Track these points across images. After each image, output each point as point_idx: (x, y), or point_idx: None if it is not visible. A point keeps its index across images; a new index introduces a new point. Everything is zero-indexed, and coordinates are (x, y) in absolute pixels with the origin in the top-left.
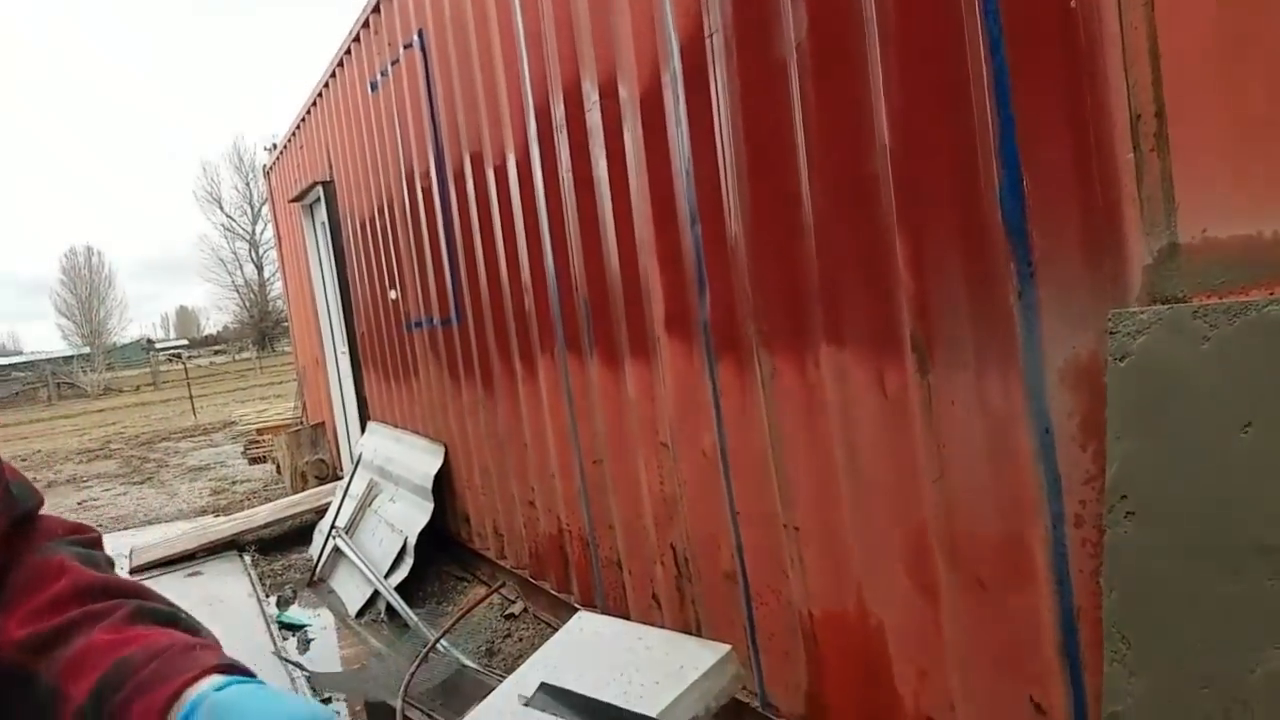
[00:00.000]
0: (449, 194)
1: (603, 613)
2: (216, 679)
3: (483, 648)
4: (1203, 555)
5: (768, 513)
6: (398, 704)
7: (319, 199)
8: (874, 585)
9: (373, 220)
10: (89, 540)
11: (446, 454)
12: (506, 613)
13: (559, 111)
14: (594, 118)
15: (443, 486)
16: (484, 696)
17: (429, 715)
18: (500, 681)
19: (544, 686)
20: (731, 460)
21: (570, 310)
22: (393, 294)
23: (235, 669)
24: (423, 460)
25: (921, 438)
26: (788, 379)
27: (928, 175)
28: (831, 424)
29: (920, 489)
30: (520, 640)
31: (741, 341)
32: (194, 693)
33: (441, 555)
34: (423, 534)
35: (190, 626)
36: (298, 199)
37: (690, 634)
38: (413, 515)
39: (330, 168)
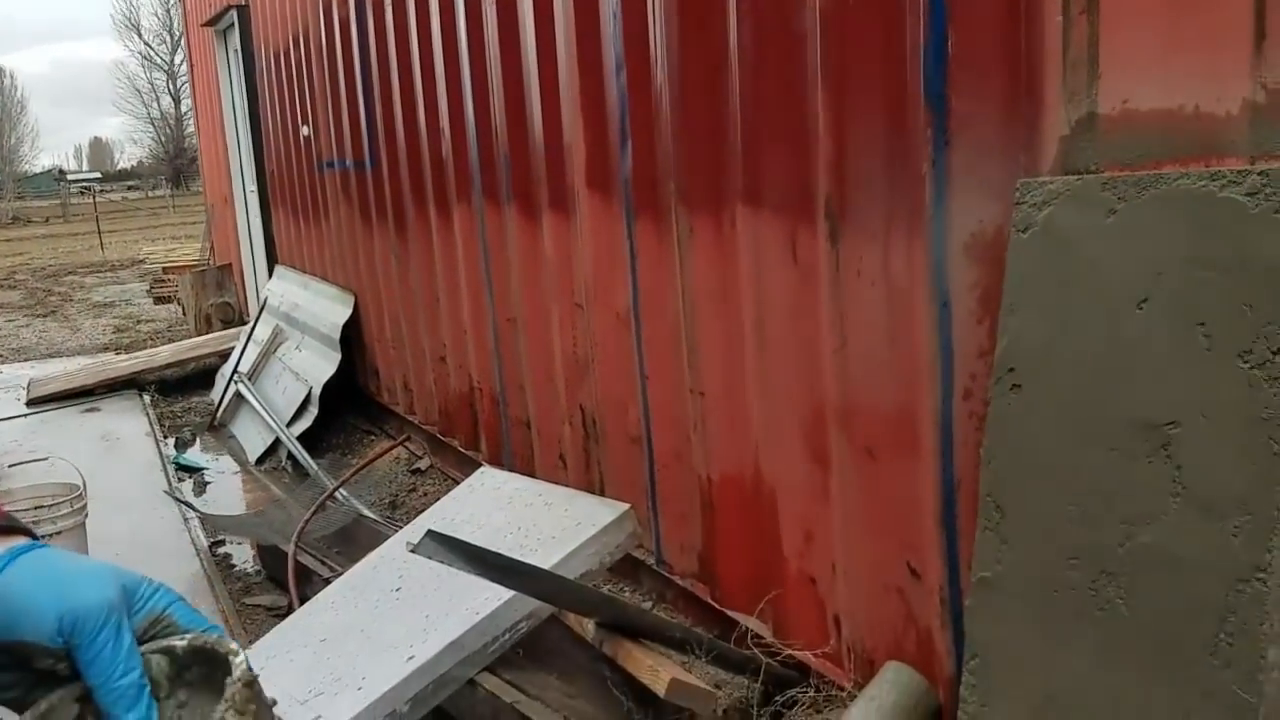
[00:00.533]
0: (367, 27)
1: (509, 471)
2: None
3: (386, 500)
4: (1083, 430)
5: (675, 377)
6: (290, 548)
7: (233, 24)
8: (771, 452)
9: (288, 51)
10: None
11: (356, 304)
12: (413, 468)
13: None
14: None
15: (351, 337)
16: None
17: (322, 560)
18: (396, 532)
19: (430, 534)
20: (644, 323)
21: (489, 158)
22: (305, 131)
23: (16, 529)
24: (331, 309)
25: (826, 307)
26: (703, 240)
27: (854, 31)
28: (743, 289)
29: (821, 358)
30: (425, 495)
31: (661, 199)
32: None
33: (349, 408)
34: (329, 385)
35: None
36: (210, 23)
37: (594, 494)
38: (319, 365)
39: None
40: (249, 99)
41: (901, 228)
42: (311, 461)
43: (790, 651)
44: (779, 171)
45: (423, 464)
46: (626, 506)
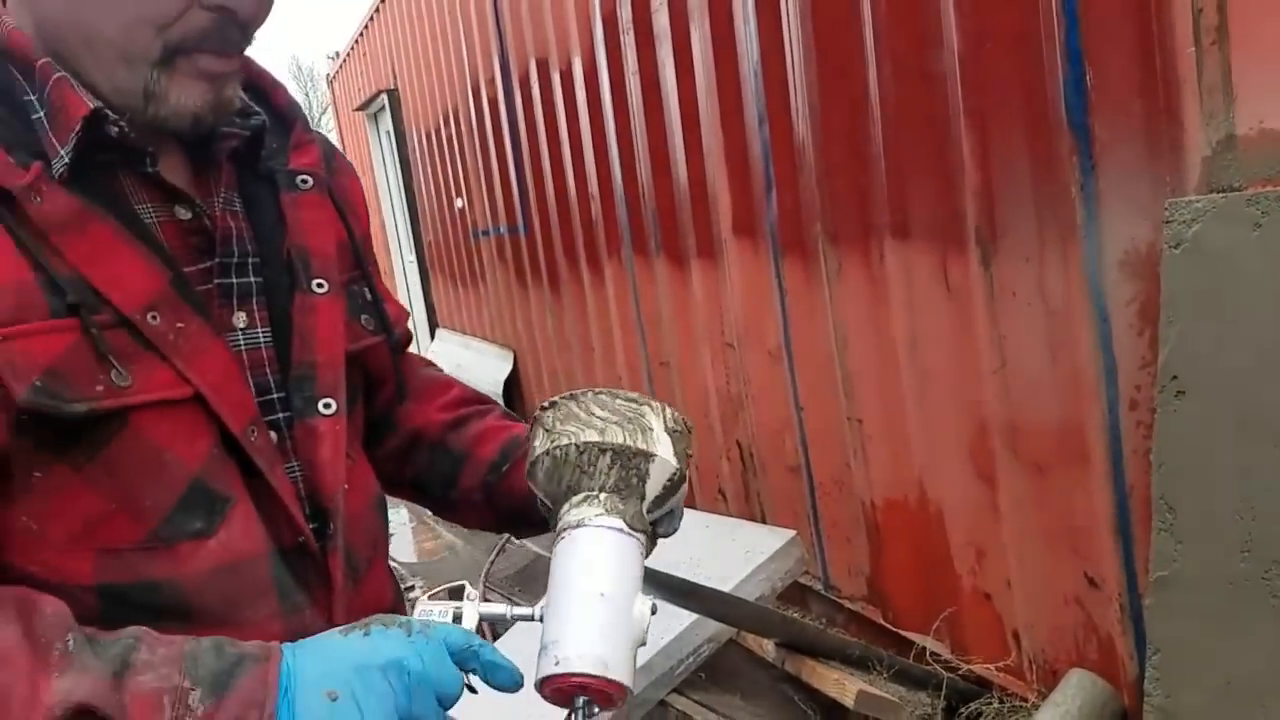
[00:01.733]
0: (514, 101)
1: None
2: None
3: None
4: (1247, 429)
5: (831, 407)
6: (479, 588)
7: (384, 107)
8: (934, 473)
9: (438, 129)
10: (439, 369)
11: (515, 359)
12: None
13: (625, 13)
14: (661, 19)
15: (513, 391)
16: None
17: (506, 598)
18: None
19: None
20: (796, 357)
21: (637, 215)
22: (459, 203)
23: None
24: (493, 366)
25: (983, 329)
26: (853, 275)
27: (993, 70)
28: (895, 318)
29: (981, 379)
30: None
31: (807, 240)
32: None
33: None
34: None
35: None
36: (361, 108)
37: (753, 523)
38: None
39: (395, 76)
40: (403, 175)
41: (1054, 249)
42: None
43: (970, 666)
44: (926, 204)
45: None
46: (793, 533)
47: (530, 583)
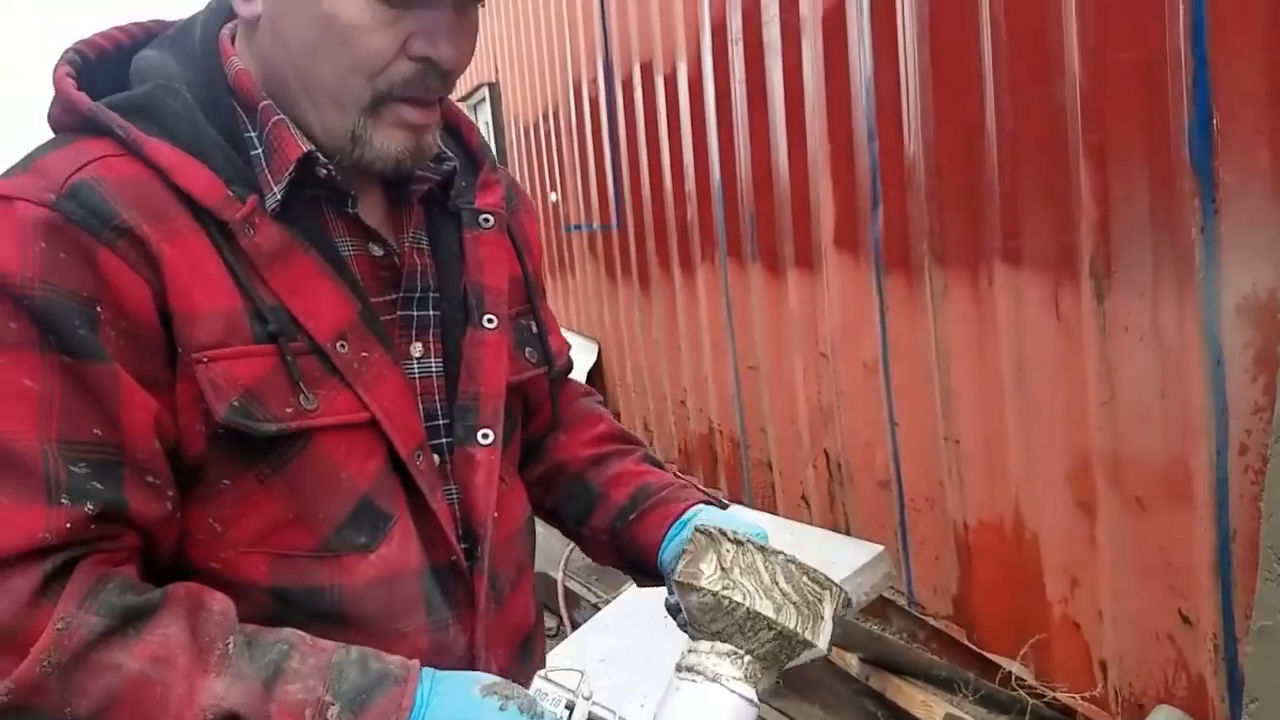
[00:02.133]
0: (615, 101)
1: (749, 509)
2: (702, 506)
3: None
4: None
5: (927, 425)
6: (559, 575)
7: (484, 99)
8: (1032, 499)
9: (537, 124)
10: (597, 398)
11: (600, 351)
12: None
13: (735, 24)
14: (772, 32)
15: (595, 381)
16: None
17: (587, 587)
18: None
19: None
20: (893, 372)
21: (734, 220)
22: (553, 197)
23: (713, 501)
24: (578, 356)
25: (1093, 360)
26: (958, 296)
27: (1116, 107)
28: (1001, 342)
29: (1087, 410)
30: None
31: (912, 258)
32: (691, 511)
33: None
34: None
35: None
36: (464, 98)
37: (841, 534)
38: None
39: (496, 70)
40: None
41: (1171, 288)
42: None
43: (1055, 694)
44: (1040, 232)
45: None
46: (880, 548)
47: (604, 573)
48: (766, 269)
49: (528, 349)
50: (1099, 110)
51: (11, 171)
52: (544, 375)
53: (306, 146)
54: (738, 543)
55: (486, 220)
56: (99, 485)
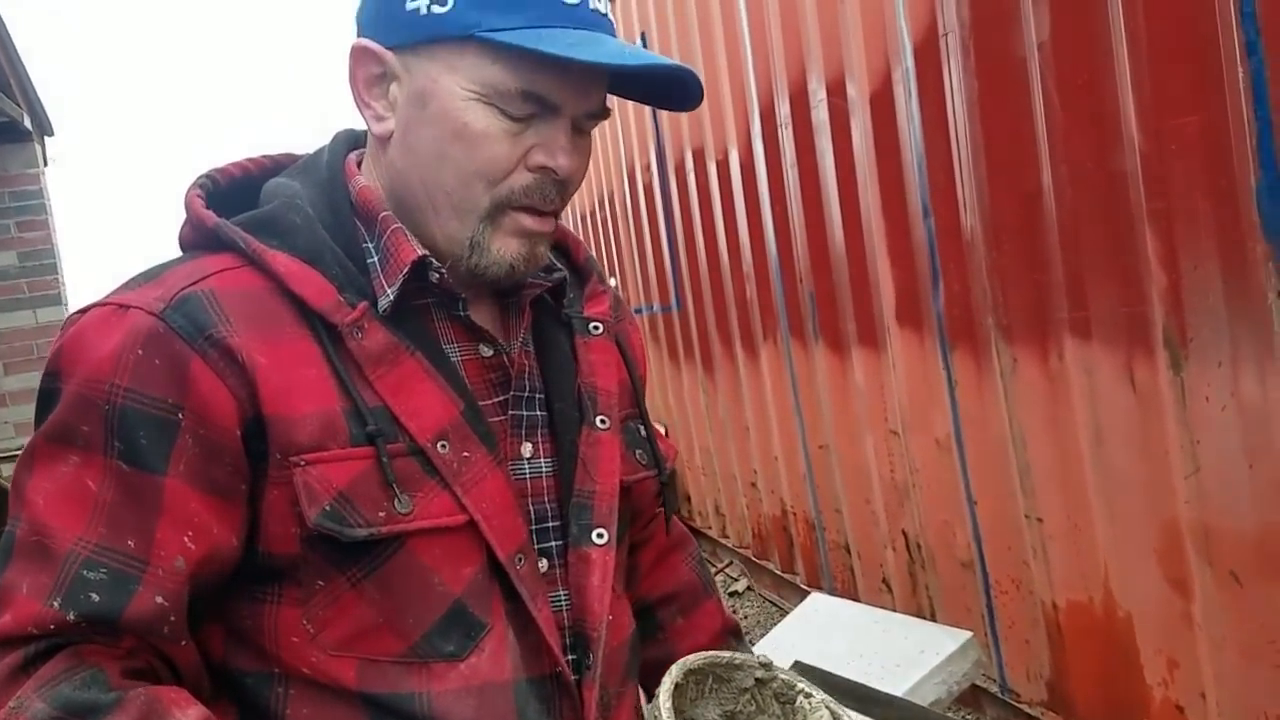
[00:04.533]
0: (669, 186)
1: (829, 594)
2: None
3: None
4: None
5: (1007, 502)
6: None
7: None
8: (1122, 577)
9: (594, 211)
10: (700, 557)
11: (665, 433)
12: (730, 590)
13: (784, 109)
14: (820, 114)
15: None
16: None
17: None
18: None
19: (796, 664)
20: (968, 449)
21: (794, 299)
22: (613, 281)
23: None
24: None
25: (1174, 432)
26: (1029, 370)
27: (1179, 173)
28: (1076, 416)
29: (1172, 482)
30: (745, 617)
31: (978, 333)
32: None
33: None
34: None
35: None
36: None
37: (923, 618)
38: None
39: None
40: None
41: (1249, 354)
42: None
43: None
44: (1108, 303)
45: (739, 586)
46: (969, 634)
47: None
48: (830, 347)
49: (638, 451)
50: (1161, 176)
51: (137, 282)
52: (653, 479)
53: (421, 251)
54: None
55: (596, 327)
56: (96, 596)
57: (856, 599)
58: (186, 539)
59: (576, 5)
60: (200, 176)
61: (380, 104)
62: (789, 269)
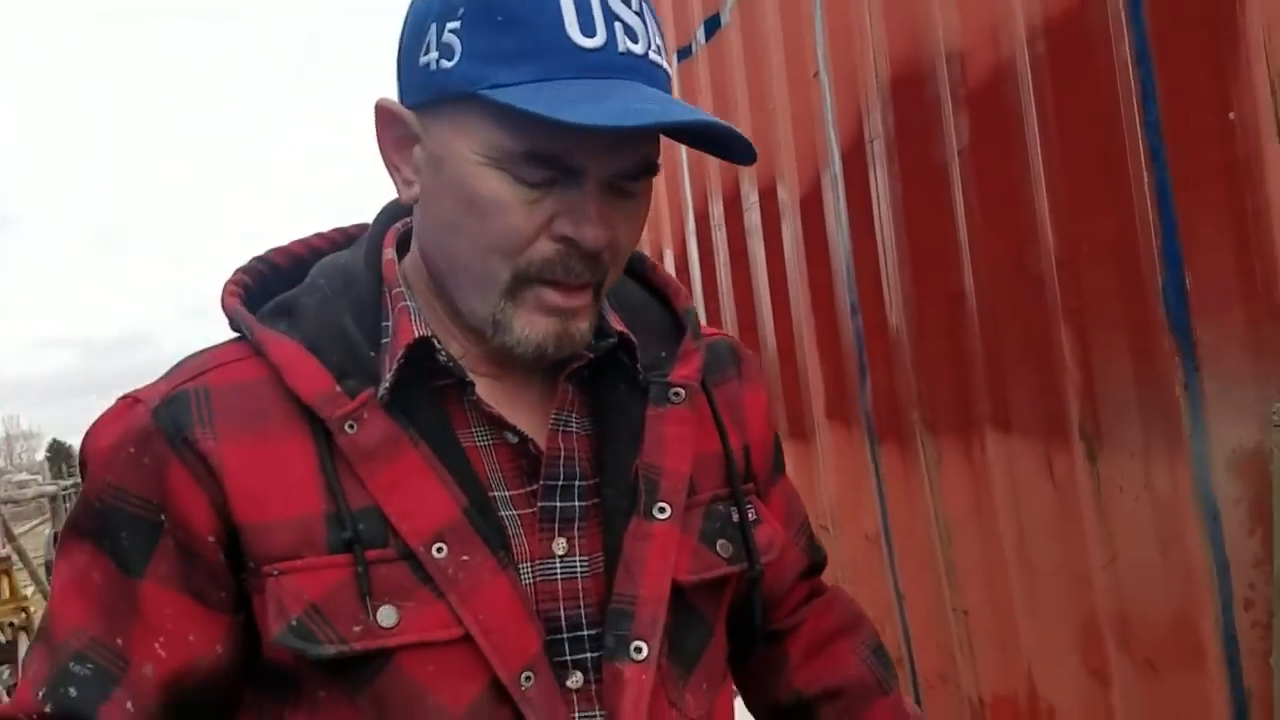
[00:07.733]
0: None
1: None
2: None
3: None
4: None
5: (935, 596)
6: None
7: None
8: (1045, 669)
9: None
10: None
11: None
12: None
13: (717, 210)
14: (753, 217)
15: None
16: None
17: None
18: None
19: None
20: (896, 544)
21: None
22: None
23: None
24: None
25: (1091, 522)
26: (953, 464)
27: (1091, 273)
28: (999, 508)
29: (1090, 572)
30: None
31: (905, 427)
32: None
33: None
34: None
35: None
36: None
37: None
38: None
39: None
40: None
41: (1161, 446)
42: None
43: None
44: (1027, 398)
45: None
46: None
47: None
48: None
49: (720, 541)
50: (1076, 277)
51: (169, 372)
52: (740, 575)
53: (421, 332)
54: None
55: (677, 394)
56: (74, 691)
57: None
58: (158, 645)
59: (598, 50)
60: (253, 258)
61: (407, 168)
62: None
